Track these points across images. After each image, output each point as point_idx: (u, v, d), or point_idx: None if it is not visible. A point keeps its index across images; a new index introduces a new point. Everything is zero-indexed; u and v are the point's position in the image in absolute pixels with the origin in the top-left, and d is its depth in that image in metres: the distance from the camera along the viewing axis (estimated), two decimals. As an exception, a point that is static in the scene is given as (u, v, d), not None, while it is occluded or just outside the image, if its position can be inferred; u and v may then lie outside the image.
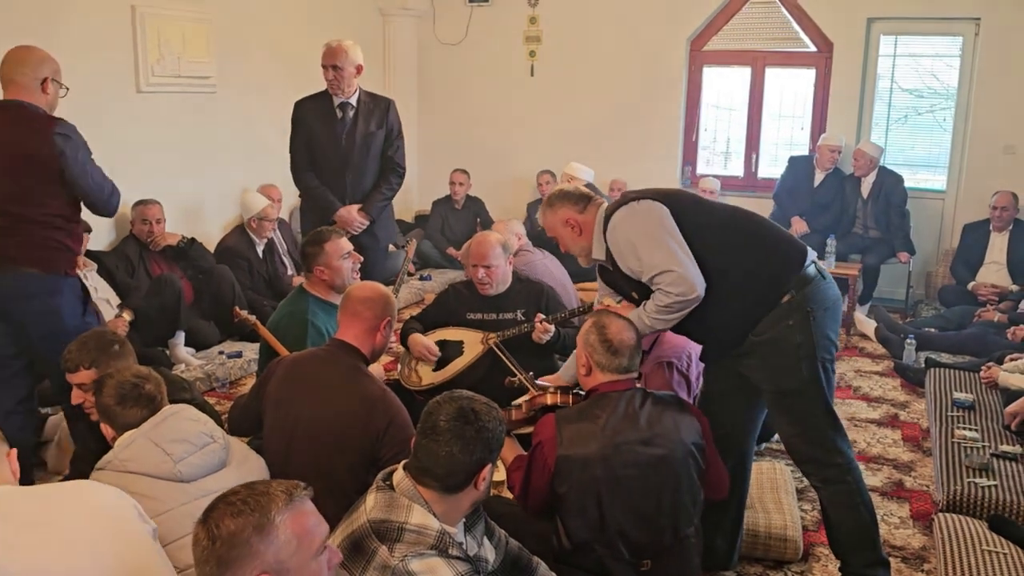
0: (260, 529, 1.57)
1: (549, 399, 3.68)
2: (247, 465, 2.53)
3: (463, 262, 5.01)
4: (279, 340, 3.60)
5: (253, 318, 3.90)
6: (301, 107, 4.78)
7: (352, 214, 4.68)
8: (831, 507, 2.90)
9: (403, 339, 4.19)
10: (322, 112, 4.67)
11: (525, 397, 3.02)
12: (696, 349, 3.39)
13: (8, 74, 3.29)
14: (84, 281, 4.86)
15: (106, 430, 2.53)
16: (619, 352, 2.62)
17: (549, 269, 4.69)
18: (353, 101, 4.68)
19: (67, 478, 3.15)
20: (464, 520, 2.14)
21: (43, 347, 3.32)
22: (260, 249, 5.96)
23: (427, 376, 4.08)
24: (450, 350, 4.07)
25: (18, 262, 3.28)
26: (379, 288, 2.94)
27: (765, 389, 2.83)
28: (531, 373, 3.83)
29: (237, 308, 4.10)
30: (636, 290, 2.83)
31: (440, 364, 4.07)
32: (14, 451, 1.98)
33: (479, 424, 2.05)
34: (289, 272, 6.06)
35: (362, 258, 3.92)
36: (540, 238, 6.42)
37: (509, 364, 3.74)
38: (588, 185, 6.15)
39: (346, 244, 3.77)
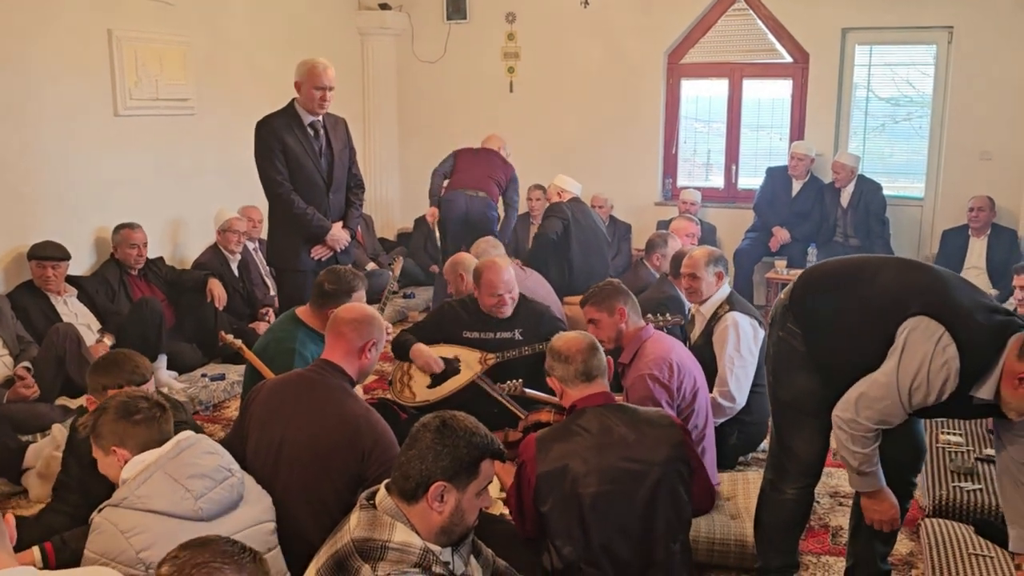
0: None
1: (543, 417, 3.70)
2: (261, 505, 2.50)
3: (448, 279, 4.98)
4: (265, 365, 3.55)
5: (239, 342, 3.87)
6: (274, 125, 4.53)
7: (341, 232, 4.68)
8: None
9: (398, 350, 4.11)
10: (298, 131, 4.54)
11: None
12: (679, 357, 3.38)
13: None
14: (64, 306, 4.85)
15: (122, 454, 2.44)
16: (570, 358, 2.62)
17: (528, 287, 4.66)
18: (320, 119, 4.63)
19: (49, 506, 3.11)
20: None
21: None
22: (234, 266, 5.94)
23: (421, 393, 4.04)
24: (446, 367, 4.04)
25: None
26: (366, 310, 2.93)
27: None
28: (520, 380, 3.84)
29: (222, 332, 4.07)
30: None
31: (434, 381, 4.04)
32: (10, 516, 1.92)
33: (444, 433, 2.04)
34: (271, 293, 6.00)
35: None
36: (521, 252, 6.42)
37: (492, 393, 3.78)
38: (574, 199, 6.02)
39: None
